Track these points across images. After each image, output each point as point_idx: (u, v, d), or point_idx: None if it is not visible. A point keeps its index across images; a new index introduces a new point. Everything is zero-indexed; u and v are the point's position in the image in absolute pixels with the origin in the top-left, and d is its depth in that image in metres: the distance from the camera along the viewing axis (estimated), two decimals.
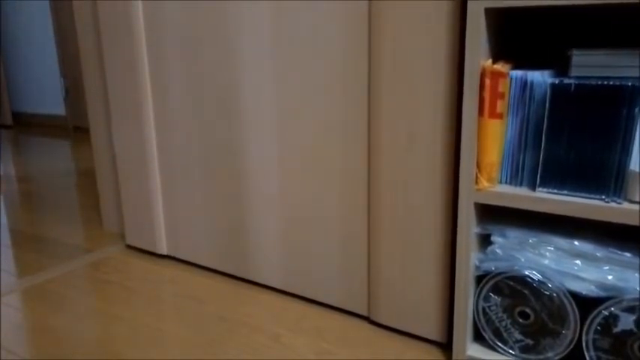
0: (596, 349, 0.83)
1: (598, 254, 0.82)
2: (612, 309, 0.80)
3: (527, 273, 0.86)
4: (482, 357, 0.92)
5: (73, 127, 3.59)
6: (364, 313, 1.11)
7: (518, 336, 0.89)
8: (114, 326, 1.11)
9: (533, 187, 0.84)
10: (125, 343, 1.04)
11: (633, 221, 0.75)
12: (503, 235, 0.89)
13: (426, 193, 0.94)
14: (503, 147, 0.86)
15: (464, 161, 0.86)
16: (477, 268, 0.91)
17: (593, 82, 0.76)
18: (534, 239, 0.86)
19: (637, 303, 0.78)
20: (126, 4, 1.29)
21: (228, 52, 1.16)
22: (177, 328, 1.10)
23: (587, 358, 0.83)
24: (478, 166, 0.86)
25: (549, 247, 0.85)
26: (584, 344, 0.83)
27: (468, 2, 0.80)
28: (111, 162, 1.57)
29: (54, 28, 3.50)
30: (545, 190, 0.82)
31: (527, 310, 0.87)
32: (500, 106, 0.83)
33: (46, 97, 3.66)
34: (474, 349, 0.94)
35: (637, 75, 0.75)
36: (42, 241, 1.58)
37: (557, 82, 0.78)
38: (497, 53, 0.89)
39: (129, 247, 1.51)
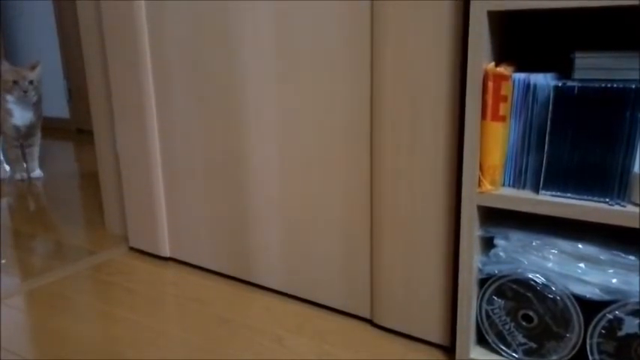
0: (600, 352, 0.82)
1: (602, 257, 0.81)
2: (617, 312, 0.80)
3: (530, 276, 0.85)
4: None
5: (77, 130, 3.60)
6: (366, 315, 1.11)
7: (521, 339, 0.89)
8: (116, 328, 1.11)
9: (536, 189, 0.84)
10: (127, 345, 1.04)
11: (637, 224, 0.74)
12: (507, 238, 0.89)
13: (429, 196, 0.94)
14: (506, 150, 0.85)
15: (467, 164, 0.86)
16: (480, 271, 0.90)
17: (597, 85, 0.76)
18: (538, 242, 0.86)
19: None
20: (129, 5, 1.29)
21: (231, 54, 1.16)
22: (180, 330, 1.10)
23: None
24: (481, 168, 0.85)
25: (553, 250, 0.85)
26: (588, 348, 0.83)
27: (471, 4, 0.80)
28: (114, 164, 1.57)
29: (57, 31, 3.51)
30: (548, 192, 0.82)
31: (531, 314, 0.87)
32: (503, 108, 0.82)
33: (50, 99, 3.67)
34: (477, 352, 0.93)
35: None
36: (45, 243, 1.59)
37: (560, 84, 0.78)
38: (500, 55, 0.89)
39: (132, 249, 1.52)
